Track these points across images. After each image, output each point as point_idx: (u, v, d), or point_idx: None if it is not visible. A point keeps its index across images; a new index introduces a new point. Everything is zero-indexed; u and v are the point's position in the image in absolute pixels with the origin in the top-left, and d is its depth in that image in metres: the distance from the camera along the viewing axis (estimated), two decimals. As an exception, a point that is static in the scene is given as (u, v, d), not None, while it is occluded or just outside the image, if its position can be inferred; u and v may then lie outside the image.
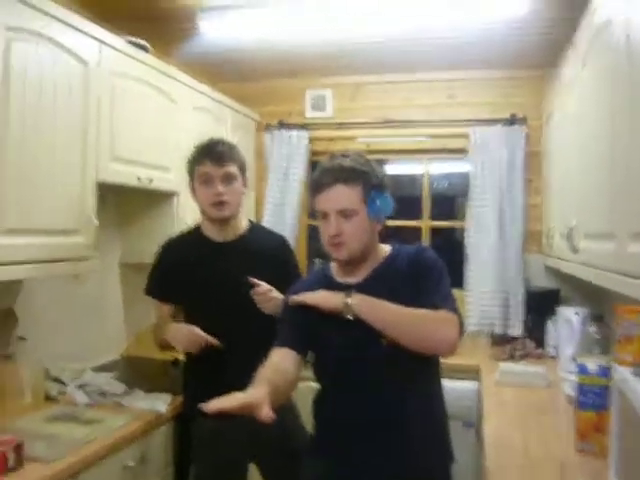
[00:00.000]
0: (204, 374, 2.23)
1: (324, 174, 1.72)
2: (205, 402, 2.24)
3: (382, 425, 1.68)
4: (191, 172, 2.28)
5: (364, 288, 1.72)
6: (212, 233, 2.31)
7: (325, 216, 1.71)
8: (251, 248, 2.28)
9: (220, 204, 2.21)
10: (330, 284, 1.79)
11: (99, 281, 3.04)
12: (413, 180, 4.17)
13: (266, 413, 1.41)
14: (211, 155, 2.21)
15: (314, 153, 4.04)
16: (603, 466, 1.70)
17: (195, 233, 2.36)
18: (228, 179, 2.21)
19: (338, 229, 1.69)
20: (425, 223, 4.05)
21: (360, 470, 1.69)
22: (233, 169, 2.24)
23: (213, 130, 3.42)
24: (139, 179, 2.69)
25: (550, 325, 3.37)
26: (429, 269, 1.73)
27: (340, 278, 1.80)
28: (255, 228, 2.43)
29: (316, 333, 1.75)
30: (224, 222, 2.27)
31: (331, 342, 1.74)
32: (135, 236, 3.16)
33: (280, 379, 1.63)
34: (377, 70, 3.86)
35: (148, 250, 3.09)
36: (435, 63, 3.69)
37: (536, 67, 3.61)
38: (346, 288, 1.73)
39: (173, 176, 2.99)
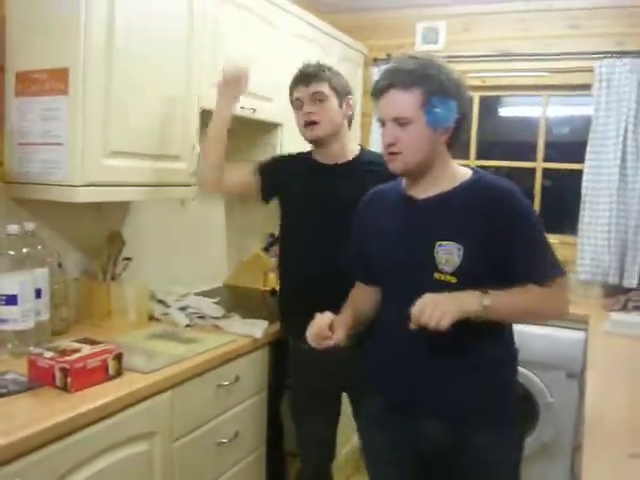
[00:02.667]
0: (299, 301, 2.23)
1: (381, 78, 1.60)
2: (300, 328, 2.28)
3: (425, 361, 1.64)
4: (290, 100, 2.28)
5: (429, 206, 1.64)
6: (321, 157, 2.28)
7: (382, 124, 1.61)
8: (361, 170, 2.20)
9: (311, 124, 2.17)
10: (399, 196, 1.71)
11: (204, 210, 3.11)
12: (530, 123, 3.93)
13: (336, 337, 1.73)
14: (300, 78, 2.20)
15: (423, 89, 3.86)
16: None
17: (307, 155, 2.35)
18: (317, 98, 2.16)
19: (392, 138, 1.58)
20: (539, 164, 3.82)
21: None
22: (322, 88, 2.16)
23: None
24: (242, 108, 2.68)
25: (672, 277, 3.13)
26: (522, 224, 1.57)
27: (409, 190, 1.69)
28: (366, 152, 2.34)
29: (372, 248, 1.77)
30: (324, 144, 2.22)
31: (383, 256, 1.73)
32: (239, 167, 3.18)
33: (365, 305, 1.84)
34: (493, -1, 3.62)
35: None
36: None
37: (676, -7, 3.25)
38: (412, 201, 1.66)
39: (277, 107, 2.96)
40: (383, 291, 1.78)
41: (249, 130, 3.06)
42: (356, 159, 2.25)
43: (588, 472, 1.40)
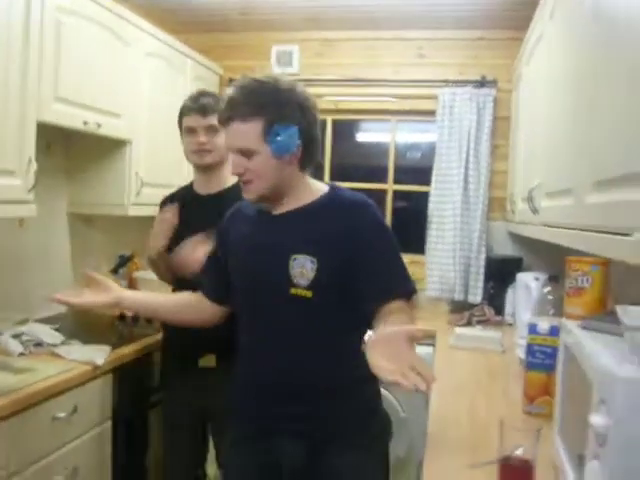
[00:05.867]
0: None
1: (223, 108, 1.57)
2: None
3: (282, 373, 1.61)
4: (179, 124, 2.27)
5: (283, 221, 1.63)
6: (199, 186, 2.30)
7: (231, 152, 1.61)
8: (236, 200, 2.18)
9: (201, 152, 2.21)
10: (257, 211, 1.70)
11: (45, 230, 2.91)
12: (383, 148, 4.07)
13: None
14: (196, 107, 2.21)
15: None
16: (549, 427, 1.64)
17: (187, 187, 2.37)
18: (212, 130, 2.18)
19: (239, 168, 1.57)
20: (390, 186, 3.96)
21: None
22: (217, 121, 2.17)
23: (170, 79, 3.29)
24: (86, 123, 2.55)
25: (510, 292, 3.32)
26: (378, 236, 1.59)
27: (267, 209, 1.67)
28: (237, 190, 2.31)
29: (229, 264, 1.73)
30: (207, 171, 2.25)
31: (240, 271, 1.70)
32: (85, 185, 3.03)
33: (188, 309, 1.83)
34: (345, 26, 3.73)
35: (97, 200, 3.01)
36: (404, 20, 3.57)
37: (509, 28, 3.50)
38: (268, 216, 1.66)
39: (125, 123, 2.86)
40: (241, 309, 1.72)
41: (97, 147, 2.93)
42: (230, 189, 2.22)
43: (429, 482, 1.42)
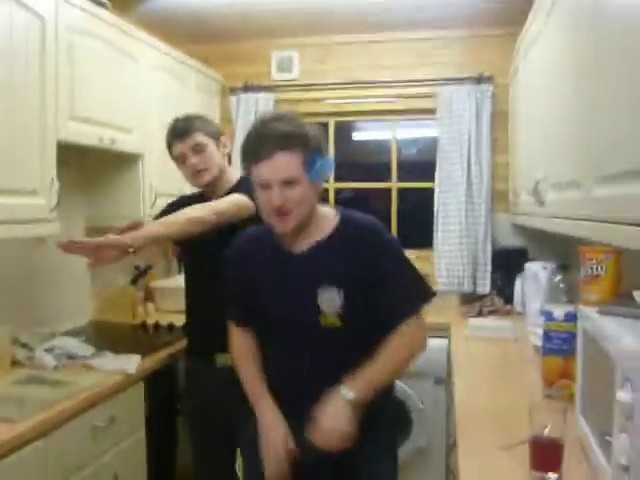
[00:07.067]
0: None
1: (263, 141, 1.59)
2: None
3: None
4: (171, 156, 2.34)
5: (306, 258, 1.70)
6: (212, 195, 2.32)
7: (267, 186, 1.61)
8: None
9: (197, 173, 2.27)
10: (275, 249, 1.74)
11: (64, 246, 2.97)
12: (382, 146, 4.16)
13: None
14: (175, 134, 2.28)
15: (281, 116, 3.96)
16: (570, 408, 1.72)
17: (195, 195, 2.44)
18: (197, 149, 2.25)
19: (282, 199, 1.60)
20: (394, 185, 4.04)
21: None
22: (199, 138, 2.26)
23: (176, 91, 3.36)
24: (101, 140, 2.63)
25: (518, 282, 3.41)
26: (387, 255, 1.69)
27: (284, 244, 1.73)
28: (245, 181, 2.25)
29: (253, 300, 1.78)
30: (210, 186, 2.30)
31: (267, 309, 1.75)
32: (100, 199, 3.11)
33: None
34: (343, 30, 3.80)
35: (113, 214, 3.08)
36: (401, 22, 3.64)
37: (504, 25, 3.56)
38: (290, 255, 1.72)
39: (137, 137, 2.94)
40: (269, 342, 1.80)
41: (111, 162, 3.01)
42: (234, 188, 2.28)
43: (464, 466, 1.51)
